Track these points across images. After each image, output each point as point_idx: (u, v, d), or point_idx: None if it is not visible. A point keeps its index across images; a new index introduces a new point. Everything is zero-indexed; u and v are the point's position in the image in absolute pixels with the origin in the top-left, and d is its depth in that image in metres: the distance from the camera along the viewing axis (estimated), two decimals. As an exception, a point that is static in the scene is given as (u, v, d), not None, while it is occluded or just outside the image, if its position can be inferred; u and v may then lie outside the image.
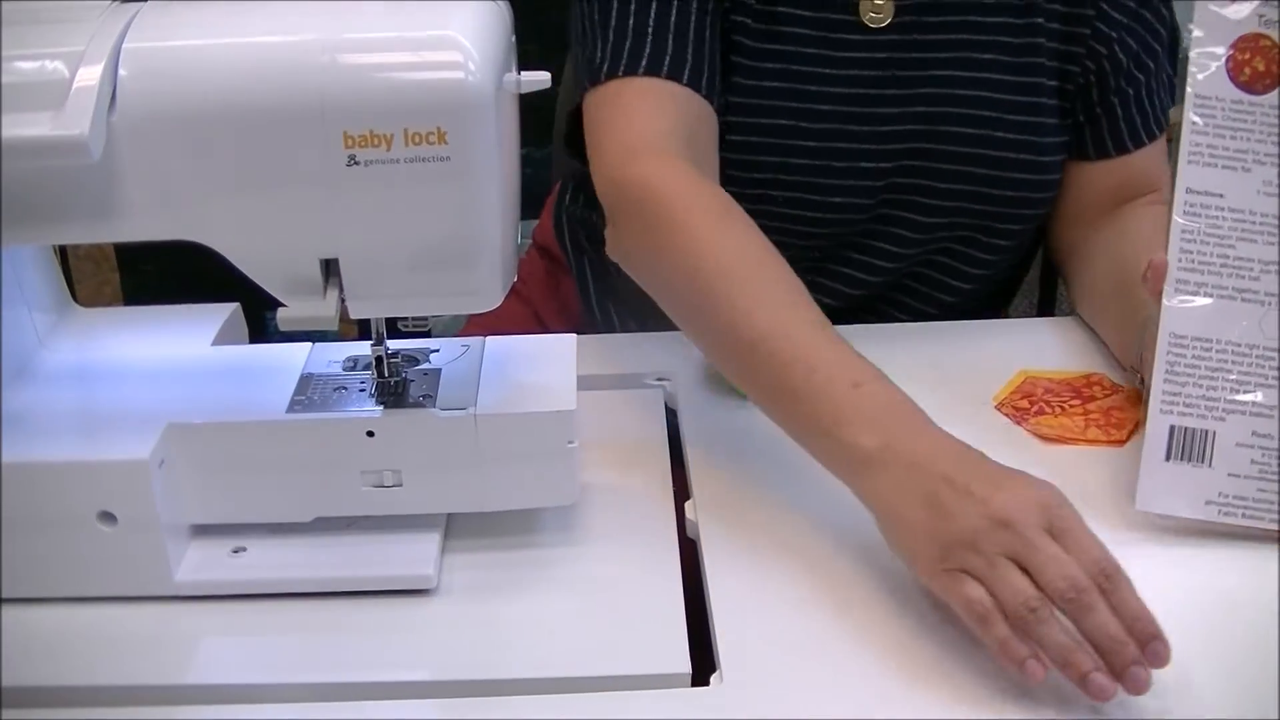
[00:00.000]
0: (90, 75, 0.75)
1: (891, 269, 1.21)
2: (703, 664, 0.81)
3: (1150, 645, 0.75)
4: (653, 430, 1.03)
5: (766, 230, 1.14)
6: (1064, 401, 1.05)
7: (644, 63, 1.06)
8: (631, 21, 1.08)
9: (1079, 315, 1.18)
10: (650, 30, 1.07)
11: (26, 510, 0.83)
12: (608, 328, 1.31)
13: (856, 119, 1.14)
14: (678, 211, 0.97)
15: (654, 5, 1.08)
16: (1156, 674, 0.75)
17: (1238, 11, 0.90)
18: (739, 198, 1.05)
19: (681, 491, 0.97)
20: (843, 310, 1.21)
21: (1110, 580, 0.75)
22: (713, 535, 0.91)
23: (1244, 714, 0.77)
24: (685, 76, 1.07)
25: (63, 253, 1.93)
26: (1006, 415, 1.04)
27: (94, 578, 0.86)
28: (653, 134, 1.04)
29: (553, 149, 1.58)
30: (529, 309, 1.39)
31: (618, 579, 0.88)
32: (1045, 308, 1.60)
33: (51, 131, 0.73)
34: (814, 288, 1.20)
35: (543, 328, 1.38)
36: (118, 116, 0.76)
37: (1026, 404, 1.05)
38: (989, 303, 1.29)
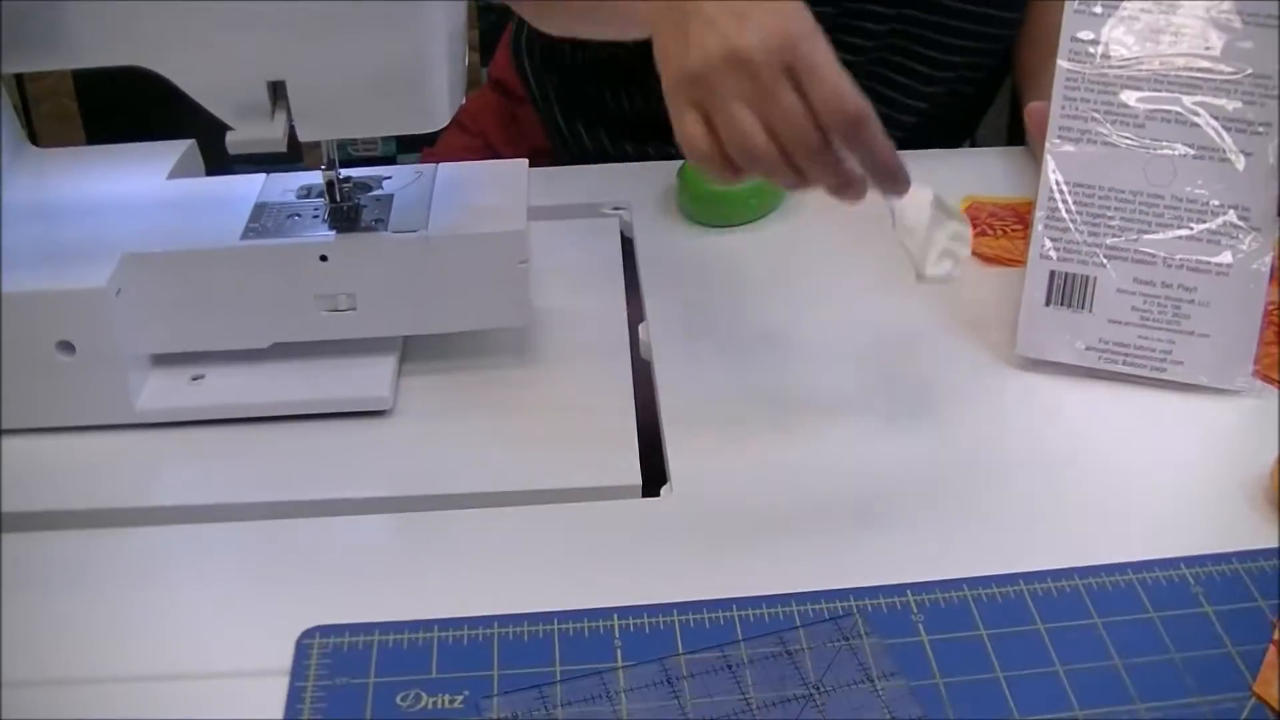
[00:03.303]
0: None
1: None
2: (654, 478, 0.82)
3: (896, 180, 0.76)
4: (608, 257, 1.04)
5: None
6: (1007, 225, 1.05)
7: None
8: None
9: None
10: None
11: (-15, 343, 0.84)
12: (576, 147, 1.31)
13: None
14: None
15: None
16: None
17: None
18: None
19: (636, 316, 0.97)
20: None
21: (857, 127, 0.72)
22: (665, 356, 0.92)
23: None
24: None
25: (26, 113, 1.92)
26: (950, 236, 1.04)
27: (56, 407, 0.86)
28: None
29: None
30: (481, 141, 1.39)
31: (572, 398, 0.89)
32: (1016, 138, 1.59)
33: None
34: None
35: (495, 157, 1.38)
36: (59, -61, 0.75)
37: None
38: (949, 131, 1.29)
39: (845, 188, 0.75)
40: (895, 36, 1.18)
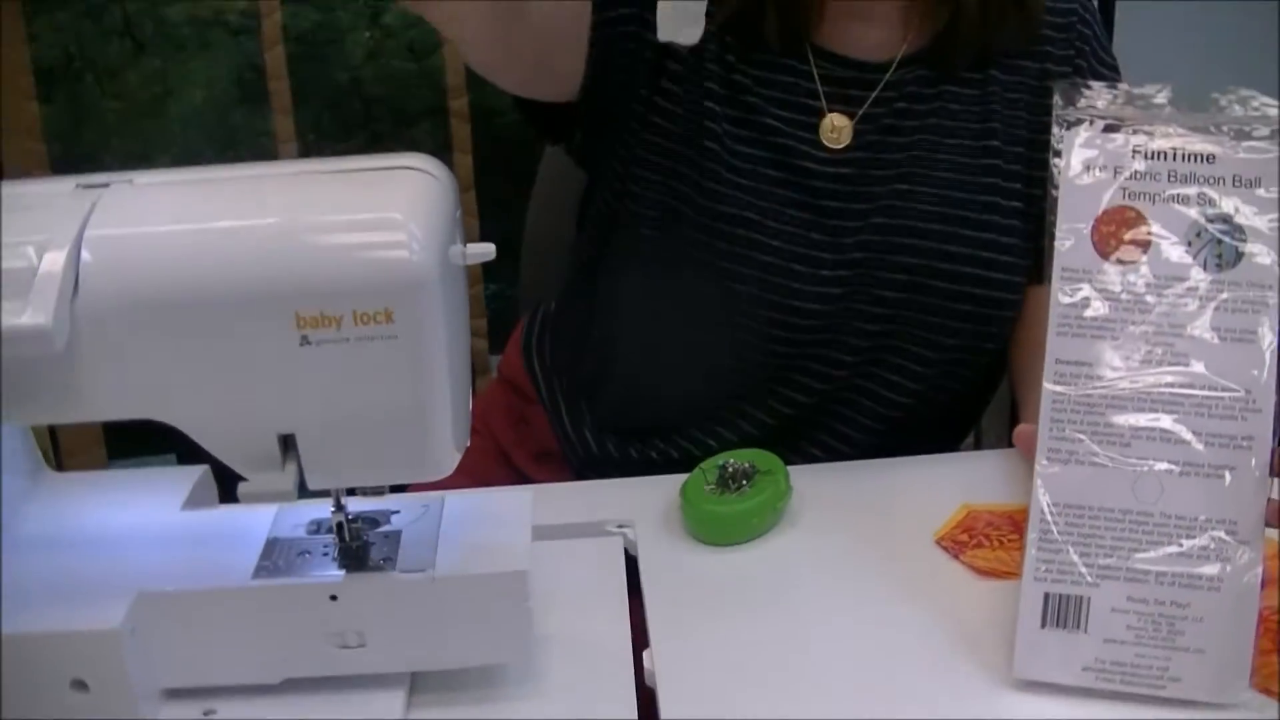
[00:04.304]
0: (54, 262, 0.77)
1: (842, 375, 1.24)
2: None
3: None
4: (612, 578, 1.05)
5: (737, 327, 1.20)
6: (1003, 535, 1.07)
7: None
8: None
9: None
10: None
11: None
12: (584, 451, 1.34)
13: (816, 227, 1.19)
14: None
15: None
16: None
17: (1102, 184, 0.92)
18: (710, 270, 1.15)
19: (640, 639, 0.98)
20: (796, 419, 1.25)
21: None
22: (670, 685, 0.93)
23: None
24: None
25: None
26: (945, 549, 1.06)
27: (68, 746, 0.87)
28: None
29: (522, 285, 1.62)
30: (491, 443, 1.42)
31: (577, 734, 0.90)
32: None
33: (15, 321, 0.76)
34: (772, 395, 1.23)
35: (505, 460, 1.41)
36: (81, 303, 0.78)
37: (966, 537, 1.07)
38: (942, 431, 1.31)
39: None
40: (888, 337, 1.22)
